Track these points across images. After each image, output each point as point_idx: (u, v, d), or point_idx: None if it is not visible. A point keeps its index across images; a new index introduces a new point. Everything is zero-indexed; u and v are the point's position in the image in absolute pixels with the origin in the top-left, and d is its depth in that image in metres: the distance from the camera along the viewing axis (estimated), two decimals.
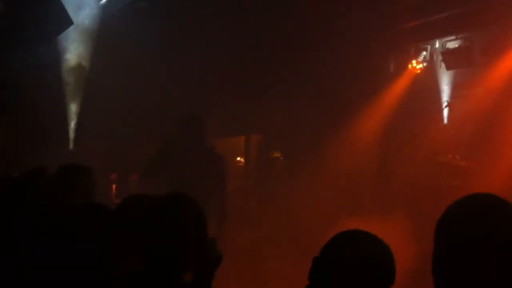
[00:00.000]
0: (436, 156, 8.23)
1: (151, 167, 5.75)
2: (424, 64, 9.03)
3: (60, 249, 2.25)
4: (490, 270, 1.49)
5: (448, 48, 8.68)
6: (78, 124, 7.62)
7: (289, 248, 7.12)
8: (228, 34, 7.69)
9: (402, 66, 9.23)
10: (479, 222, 1.55)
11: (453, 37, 8.54)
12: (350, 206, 8.15)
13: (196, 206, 2.44)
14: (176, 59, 7.62)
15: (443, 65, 8.78)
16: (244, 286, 5.94)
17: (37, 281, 2.22)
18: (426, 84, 9.10)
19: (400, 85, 9.28)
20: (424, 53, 9.03)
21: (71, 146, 7.63)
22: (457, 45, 8.55)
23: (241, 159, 10.60)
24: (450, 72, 8.82)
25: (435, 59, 9.09)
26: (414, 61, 9.04)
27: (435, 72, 9.11)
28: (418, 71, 9.06)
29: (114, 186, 7.63)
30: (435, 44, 9.02)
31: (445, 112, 8.85)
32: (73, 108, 7.61)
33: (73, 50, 7.51)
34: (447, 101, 8.78)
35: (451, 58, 8.55)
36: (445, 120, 8.90)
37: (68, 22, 6.82)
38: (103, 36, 7.46)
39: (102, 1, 7.53)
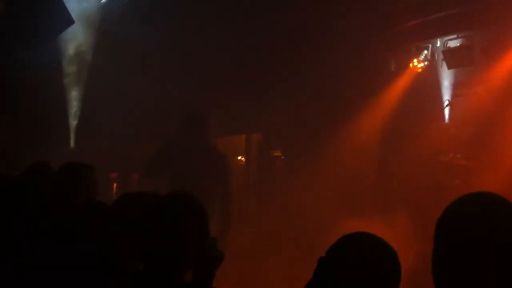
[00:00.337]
0: (437, 155, 8.22)
1: (151, 166, 5.74)
2: (425, 63, 9.02)
3: (60, 249, 2.25)
4: (490, 269, 1.49)
5: (449, 47, 8.66)
6: (79, 123, 7.63)
7: (289, 248, 7.12)
8: (228, 34, 7.68)
9: (403, 65, 9.22)
10: (480, 221, 1.55)
11: (454, 36, 8.53)
12: (351, 205, 8.15)
13: (197, 205, 2.44)
14: (177, 59, 7.62)
15: (444, 64, 8.77)
16: (244, 286, 5.94)
17: (37, 281, 2.22)
18: (427, 83, 9.09)
19: (401, 84, 9.27)
20: (425, 52, 9.01)
21: (71, 145, 7.63)
22: (458, 44, 8.54)
23: (242, 158, 10.61)
24: (451, 71, 8.81)
25: (436, 58, 9.07)
26: (415, 60, 9.02)
27: (436, 71, 9.10)
28: (419, 70, 9.05)
29: (115, 185, 7.64)
30: (436, 43, 9.01)
31: (446, 111, 8.84)
32: (74, 107, 7.61)
33: (74, 50, 7.51)
34: (448, 100, 8.77)
35: (452, 57, 8.53)
36: (446, 119, 8.89)
37: (69, 21, 6.82)
38: (104, 36, 7.46)
39: (103, 1, 7.53)
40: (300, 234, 7.42)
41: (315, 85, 8.65)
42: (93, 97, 7.49)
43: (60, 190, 3.46)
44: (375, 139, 9.17)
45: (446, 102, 8.75)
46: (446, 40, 8.68)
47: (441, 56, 8.78)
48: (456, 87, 8.89)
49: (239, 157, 10.61)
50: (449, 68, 8.71)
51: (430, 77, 9.08)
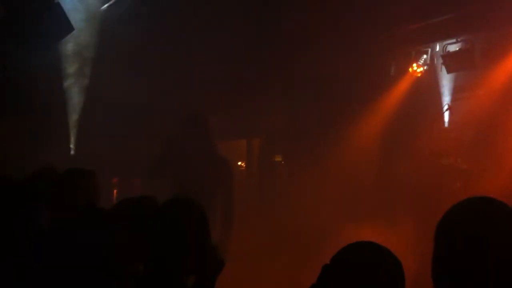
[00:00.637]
0: (438, 159, 8.23)
1: (153, 169, 5.72)
2: (425, 68, 9.04)
3: (60, 249, 2.26)
4: (490, 272, 1.50)
5: (448, 51, 8.68)
6: (79, 124, 7.62)
7: (291, 252, 7.11)
8: (228, 36, 7.68)
9: (403, 69, 9.23)
10: (479, 224, 1.56)
11: (454, 40, 8.55)
12: (352, 209, 8.14)
13: (198, 211, 2.44)
14: (177, 62, 7.62)
15: (443, 68, 8.79)
16: None
17: (37, 282, 2.22)
18: (427, 87, 9.11)
19: (401, 89, 9.28)
20: (425, 56, 9.03)
21: (71, 146, 7.63)
22: (457, 48, 8.56)
23: (242, 164, 10.59)
24: (451, 75, 8.82)
25: (435, 62, 9.09)
26: (414, 65, 9.04)
27: (435, 75, 9.11)
28: (419, 75, 9.07)
29: (115, 191, 7.63)
30: (435, 47, 9.03)
31: (446, 115, 8.85)
32: (74, 110, 7.61)
33: (74, 52, 7.52)
34: (448, 104, 8.78)
35: (451, 61, 8.55)
36: (446, 124, 8.90)
37: (69, 28, 6.84)
38: (104, 37, 7.47)
39: (104, 7, 7.56)
40: (302, 239, 7.41)
41: (315, 90, 8.67)
42: (93, 99, 7.49)
43: (61, 195, 3.48)
44: (376, 144, 9.18)
45: (446, 107, 8.77)
46: (445, 44, 8.71)
47: (441, 61, 8.80)
48: (456, 90, 8.90)
49: (239, 163, 10.59)
50: (448, 72, 8.72)
51: (429, 81, 9.09)
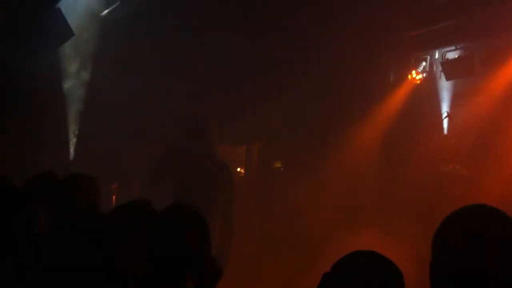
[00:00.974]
0: (438, 166, 8.23)
1: (153, 173, 5.71)
2: (424, 75, 9.06)
3: (60, 249, 2.26)
4: (490, 273, 1.50)
5: (447, 59, 8.71)
6: (79, 129, 7.62)
7: (290, 257, 7.10)
8: (229, 37, 7.68)
9: (402, 76, 9.26)
10: (479, 226, 1.57)
11: (453, 47, 8.57)
12: (351, 215, 8.14)
13: (198, 218, 2.44)
14: (176, 66, 7.61)
15: (442, 75, 8.81)
16: None
17: (37, 282, 2.22)
18: (426, 94, 9.13)
19: (400, 96, 9.30)
20: (424, 63, 9.06)
21: (71, 148, 7.61)
22: (456, 56, 8.58)
23: (241, 170, 10.57)
24: (450, 82, 8.84)
25: (434, 69, 9.11)
26: (413, 72, 9.06)
27: (434, 82, 9.13)
28: (418, 82, 9.09)
29: (114, 197, 7.61)
30: (434, 55, 9.06)
31: (445, 122, 8.86)
32: (75, 110, 7.61)
33: (74, 54, 7.52)
34: (447, 111, 8.80)
35: (450, 68, 8.58)
36: (445, 131, 8.91)
37: (69, 33, 6.85)
38: (104, 38, 7.47)
39: (104, 12, 7.57)
40: (301, 245, 7.40)
41: (314, 97, 8.67)
42: (93, 99, 7.49)
43: (62, 198, 3.48)
44: (375, 150, 9.18)
45: (445, 114, 8.78)
46: (444, 52, 8.73)
47: (440, 68, 8.82)
48: (455, 97, 8.92)
49: (238, 169, 10.56)
50: (447, 79, 8.75)
51: (428, 88, 9.11)
